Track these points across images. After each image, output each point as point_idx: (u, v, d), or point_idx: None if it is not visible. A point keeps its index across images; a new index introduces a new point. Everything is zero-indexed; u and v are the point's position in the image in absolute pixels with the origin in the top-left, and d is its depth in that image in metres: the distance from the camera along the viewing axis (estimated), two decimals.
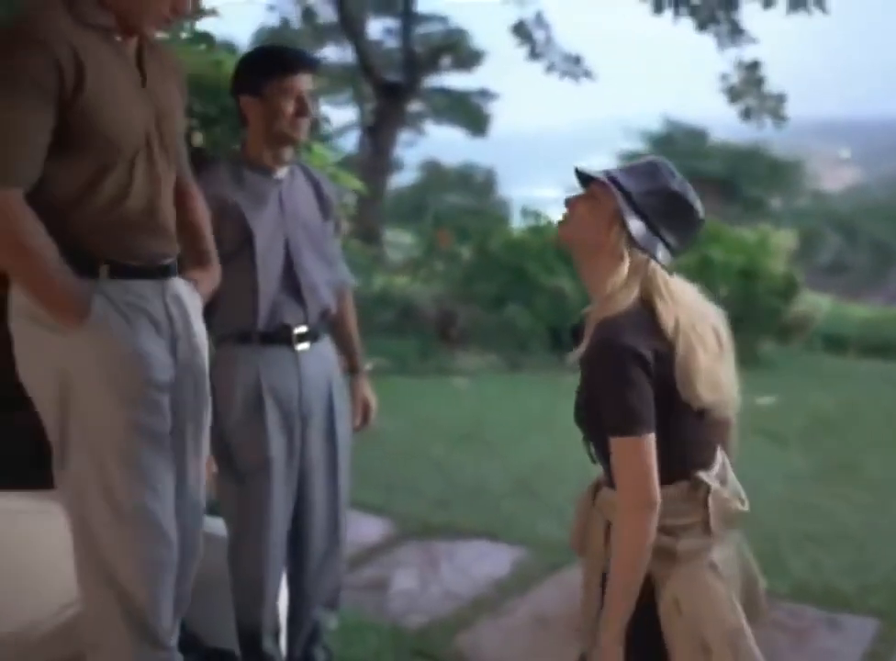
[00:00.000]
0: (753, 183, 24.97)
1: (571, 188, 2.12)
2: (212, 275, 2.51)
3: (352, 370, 3.25)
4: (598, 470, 2.11)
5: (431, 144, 24.86)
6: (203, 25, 3.83)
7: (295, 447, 2.87)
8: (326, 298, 2.94)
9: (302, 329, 2.87)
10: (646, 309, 1.96)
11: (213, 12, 3.88)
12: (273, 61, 2.79)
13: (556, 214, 2.17)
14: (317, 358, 2.92)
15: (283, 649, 3.11)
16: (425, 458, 6.21)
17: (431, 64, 20.13)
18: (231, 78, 2.86)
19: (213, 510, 3.08)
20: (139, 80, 2.18)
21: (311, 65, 2.80)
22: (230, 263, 2.72)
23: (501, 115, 22.77)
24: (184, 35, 3.86)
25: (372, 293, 10.14)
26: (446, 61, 20.67)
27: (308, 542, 3.02)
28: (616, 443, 1.90)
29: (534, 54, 11.35)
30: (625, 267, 1.94)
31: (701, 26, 8.45)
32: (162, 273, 2.28)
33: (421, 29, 20.15)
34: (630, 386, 1.88)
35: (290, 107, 2.73)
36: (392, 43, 19.57)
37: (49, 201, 2.08)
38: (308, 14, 15.29)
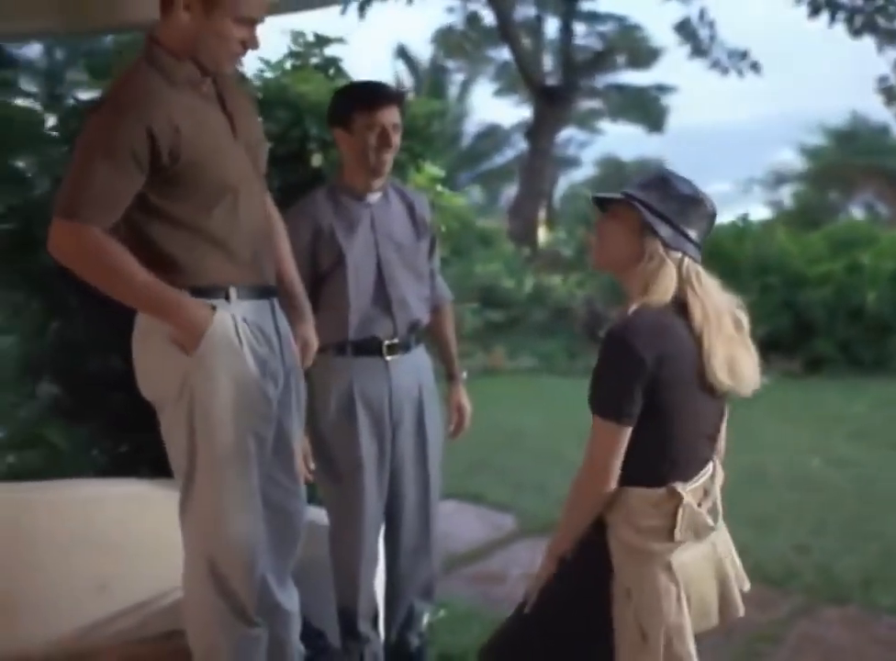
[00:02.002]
0: None
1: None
2: (310, 324, 2.75)
3: (448, 377, 3.46)
4: None
5: (610, 140, 24.77)
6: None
7: (385, 450, 3.11)
8: (416, 312, 3.14)
9: (392, 340, 3.09)
10: (673, 306, 2.16)
11: (340, 40, 4.17)
12: (358, 96, 3.02)
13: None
14: (407, 367, 3.14)
15: (381, 633, 3.37)
16: (558, 458, 6.35)
17: (607, 62, 20.12)
18: (327, 111, 3.11)
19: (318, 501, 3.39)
20: (226, 120, 2.43)
21: (394, 100, 3.01)
22: (326, 280, 3.04)
23: (679, 110, 22.46)
24: (314, 60, 4.16)
25: (523, 294, 10.32)
26: (621, 58, 20.60)
27: (401, 535, 3.25)
28: (595, 422, 2.14)
29: (699, 51, 11.21)
30: (671, 268, 2.16)
31: (856, 33, 8.20)
32: (272, 292, 2.56)
33: (599, 27, 20.15)
34: (620, 379, 2.12)
35: (374, 141, 2.95)
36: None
37: (176, 243, 2.36)
38: (474, 18, 15.54)
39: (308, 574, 2.89)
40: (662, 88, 21.12)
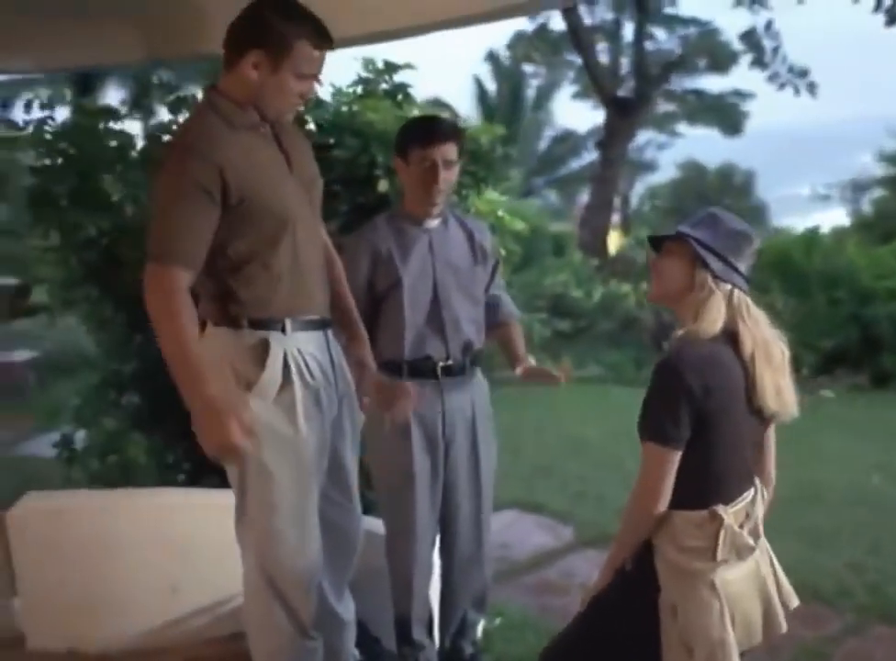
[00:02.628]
0: None
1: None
2: (365, 345, 2.90)
3: (516, 363, 3.49)
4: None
5: (689, 143, 24.61)
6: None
7: (438, 466, 3.26)
8: (469, 335, 3.28)
9: (446, 362, 3.24)
10: (723, 336, 2.31)
11: (409, 65, 4.33)
12: (415, 131, 3.18)
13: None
14: (462, 388, 3.28)
15: (436, 640, 3.52)
16: (619, 468, 6.43)
17: (686, 66, 20.01)
18: (395, 140, 3.28)
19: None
20: (284, 160, 2.58)
21: (449, 137, 3.14)
22: (384, 301, 3.21)
23: (758, 112, 22.24)
24: (383, 86, 4.33)
25: (592, 303, 10.39)
26: (701, 62, 20.48)
27: (454, 547, 3.41)
28: (646, 447, 2.29)
29: (760, 63, 11.16)
30: (720, 298, 2.31)
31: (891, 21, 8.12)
32: (326, 324, 2.71)
33: (680, 31, 20.06)
34: (669, 406, 2.25)
35: (425, 174, 3.11)
36: (649, 46, 19.62)
37: (238, 277, 2.50)
38: (543, 26, 15.57)
39: (366, 582, 3.06)
40: (740, 94, 20.97)
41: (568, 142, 25.44)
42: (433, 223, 3.25)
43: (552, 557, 5.07)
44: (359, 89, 4.27)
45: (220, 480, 3.25)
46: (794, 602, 2.49)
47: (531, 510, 5.88)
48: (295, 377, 2.54)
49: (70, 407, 4.18)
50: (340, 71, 4.31)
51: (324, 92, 4.07)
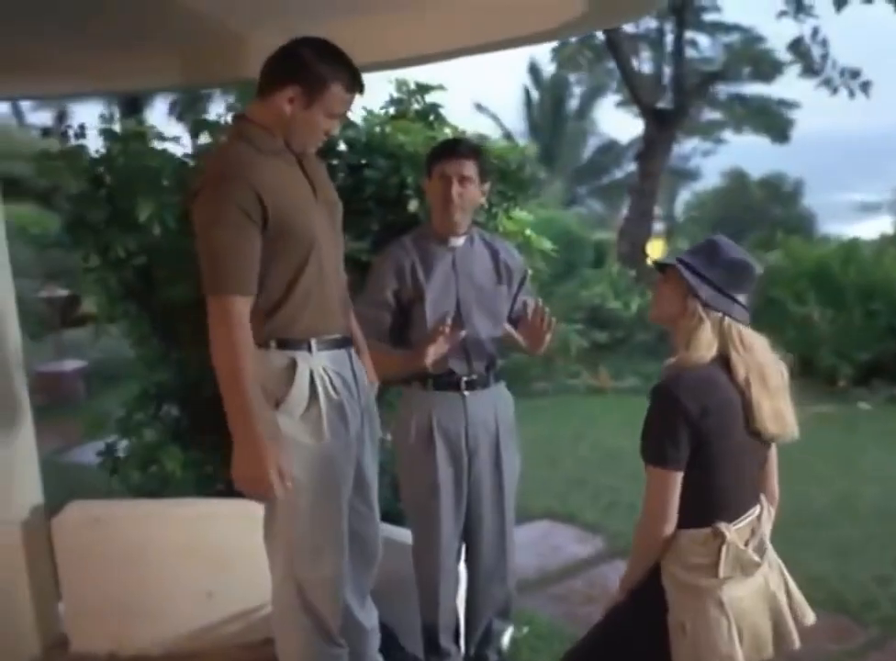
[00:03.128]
0: None
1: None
2: (367, 358, 3.01)
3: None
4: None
5: (734, 150, 24.47)
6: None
7: (462, 477, 3.36)
8: (490, 350, 3.38)
9: (470, 377, 3.35)
10: (719, 361, 2.39)
11: (440, 87, 4.44)
12: (437, 150, 3.33)
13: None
14: (486, 402, 3.38)
15: (462, 648, 3.63)
16: None
17: (730, 74, 19.91)
18: None
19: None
20: (309, 185, 2.69)
21: (466, 154, 3.26)
22: (409, 317, 3.34)
23: (805, 119, 22.06)
24: (415, 106, 4.44)
25: (629, 315, 10.41)
26: (745, 69, 20.36)
27: (479, 558, 3.51)
28: (649, 471, 2.37)
29: (811, 71, 11.14)
30: (709, 327, 2.39)
31: None
32: (349, 343, 2.83)
33: (724, 38, 19.98)
34: (668, 428, 2.33)
35: (442, 189, 3.24)
36: (692, 53, 19.55)
37: (266, 298, 2.60)
38: (587, 35, 15.53)
39: (394, 591, 3.17)
40: (785, 102, 20.83)
41: (612, 151, 25.48)
42: (458, 241, 3.36)
43: (582, 567, 5.14)
44: (391, 110, 4.38)
45: None
46: (809, 618, 2.54)
47: (563, 521, 5.96)
48: (320, 394, 2.65)
49: (114, 417, 4.32)
50: (373, 90, 4.46)
51: (356, 113, 4.18)
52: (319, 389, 2.65)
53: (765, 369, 2.40)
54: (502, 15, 3.59)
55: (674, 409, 2.32)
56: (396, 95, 4.37)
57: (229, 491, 4.00)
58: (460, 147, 3.30)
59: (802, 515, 5.94)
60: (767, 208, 25.12)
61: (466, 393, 3.34)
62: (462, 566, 3.57)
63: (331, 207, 2.78)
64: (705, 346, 2.38)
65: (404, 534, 3.53)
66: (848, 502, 6.21)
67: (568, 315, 10.47)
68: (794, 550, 5.25)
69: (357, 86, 2.63)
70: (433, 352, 3.18)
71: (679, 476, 2.34)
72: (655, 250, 17.69)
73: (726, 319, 2.39)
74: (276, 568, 2.78)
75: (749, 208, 24.93)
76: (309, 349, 2.66)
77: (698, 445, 2.33)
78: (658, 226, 24.16)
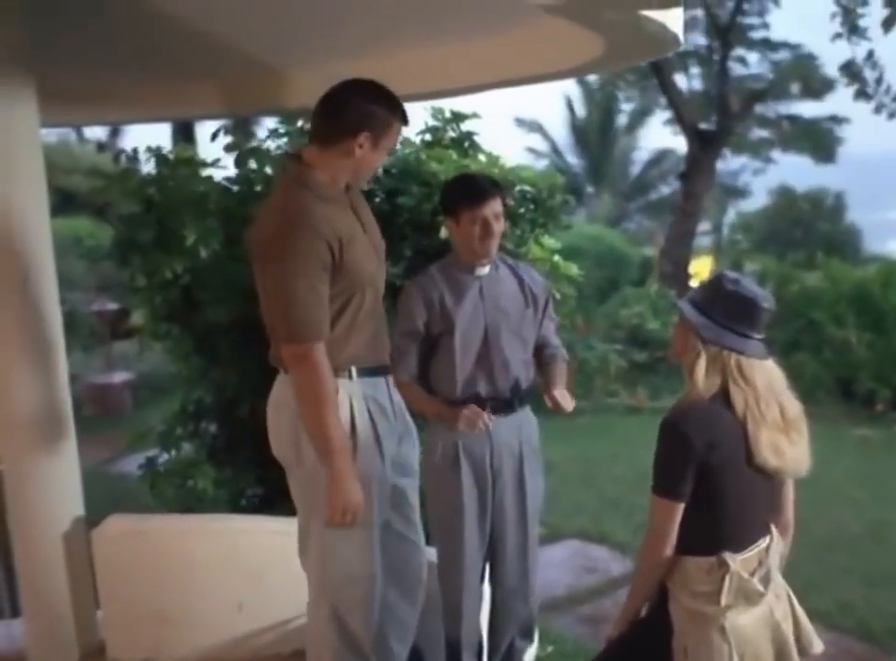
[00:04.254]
0: None
1: None
2: None
3: (545, 386, 3.55)
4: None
5: (782, 169, 24.29)
6: None
7: (486, 498, 3.45)
8: (518, 375, 3.46)
9: (496, 401, 3.42)
10: (724, 395, 2.46)
11: (475, 115, 4.56)
12: (462, 192, 3.37)
13: None
14: (510, 425, 3.46)
15: None
16: None
17: (779, 92, 19.79)
18: (440, 199, 3.50)
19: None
20: (360, 225, 2.83)
21: (495, 193, 3.34)
22: (438, 345, 3.43)
23: (853, 138, 21.85)
24: (450, 134, 4.56)
25: (668, 336, 10.41)
26: (795, 88, 20.23)
27: (501, 577, 3.59)
28: (653, 499, 2.47)
29: (863, 94, 11.03)
30: (703, 359, 2.46)
31: None
32: (388, 370, 2.96)
33: (773, 56, 19.88)
34: (673, 462, 2.43)
35: (478, 231, 3.31)
36: (741, 70, 19.47)
37: None
38: None
39: (422, 607, 3.26)
40: (835, 119, 20.65)
41: (659, 167, 25.44)
42: (484, 270, 3.44)
43: (611, 587, 5.20)
44: (427, 137, 4.51)
45: (288, 510, 3.52)
46: (817, 647, 2.61)
47: (595, 540, 6.02)
48: (357, 419, 2.77)
49: (156, 430, 4.47)
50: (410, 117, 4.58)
51: None
52: (357, 417, 2.77)
53: (762, 404, 2.45)
54: (524, 53, 3.71)
55: (680, 444, 2.41)
56: (431, 122, 4.50)
57: (261, 507, 4.16)
58: (486, 187, 3.36)
59: (836, 541, 5.95)
60: (813, 225, 24.89)
61: (492, 417, 3.42)
62: (486, 585, 3.66)
63: (378, 246, 2.92)
64: (703, 380, 2.45)
65: (430, 553, 3.61)
66: (883, 529, 6.18)
67: (608, 334, 10.53)
68: (826, 576, 5.31)
69: (407, 121, 2.82)
70: (464, 424, 3.27)
71: (681, 507, 2.42)
72: (703, 267, 17.64)
73: (725, 352, 2.45)
74: (312, 586, 2.90)
75: (796, 225, 24.72)
76: (350, 376, 2.78)
77: (703, 478, 2.41)
78: (706, 243, 24.06)
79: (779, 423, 2.47)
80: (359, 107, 2.69)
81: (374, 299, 2.84)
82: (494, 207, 3.33)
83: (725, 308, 2.46)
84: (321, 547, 2.83)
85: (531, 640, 3.79)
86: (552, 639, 4.39)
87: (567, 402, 3.39)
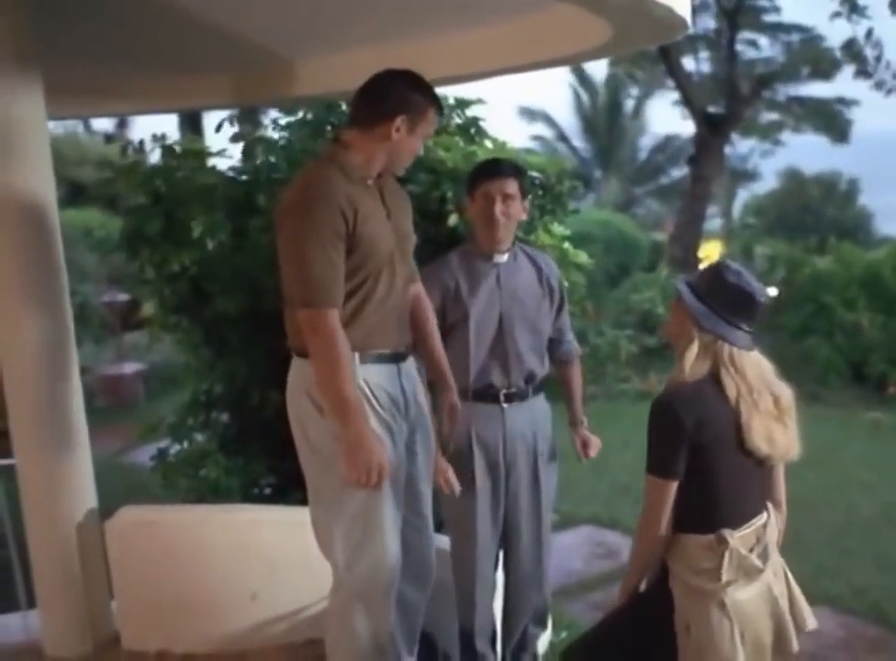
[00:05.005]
0: None
1: None
2: (454, 391, 3.14)
3: (571, 424, 3.70)
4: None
5: (794, 151, 24.18)
6: None
7: (499, 487, 3.45)
8: (531, 365, 3.46)
9: (509, 390, 3.42)
10: (714, 380, 2.50)
11: (480, 100, 4.54)
12: (479, 170, 3.41)
13: None
14: (524, 414, 3.45)
15: (499, 652, 3.72)
16: None
17: (789, 74, 19.70)
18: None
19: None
20: (385, 212, 2.85)
21: (508, 173, 3.34)
22: (452, 332, 3.41)
23: (865, 119, 21.73)
24: (456, 120, 4.54)
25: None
26: (804, 70, 20.13)
27: (515, 565, 3.59)
28: (647, 479, 2.52)
29: (864, 72, 11.02)
30: (696, 346, 2.50)
31: None
32: (401, 358, 2.94)
33: (783, 38, 19.78)
34: (664, 440, 2.48)
35: (486, 208, 3.32)
36: (751, 53, 19.37)
37: None
38: None
39: (435, 595, 3.27)
40: (843, 101, 20.55)
41: (668, 150, 25.36)
42: (502, 258, 3.43)
43: (623, 573, 5.17)
44: None
45: (300, 499, 3.53)
46: (811, 624, 2.64)
47: (607, 526, 6.03)
48: (364, 405, 2.75)
49: (167, 421, 4.48)
50: None
51: None
52: (363, 400, 2.76)
53: (754, 392, 2.49)
54: (531, 39, 3.70)
55: (670, 424, 2.45)
56: None
57: (273, 496, 4.17)
58: (502, 166, 3.38)
59: (848, 525, 5.95)
60: (823, 208, 24.78)
61: (505, 406, 3.42)
62: (499, 573, 3.66)
63: (402, 237, 2.93)
64: (692, 364, 2.49)
65: (444, 541, 3.62)
66: (895, 512, 6.17)
67: (619, 319, 10.52)
68: (839, 559, 5.31)
69: (441, 108, 2.91)
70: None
71: (674, 485, 2.46)
72: (712, 250, 17.60)
73: (719, 341, 2.49)
74: (335, 574, 2.90)
75: (806, 208, 24.62)
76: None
77: (695, 456, 2.45)
78: (716, 226, 23.98)
79: (773, 411, 2.52)
80: (399, 92, 2.77)
81: (388, 286, 2.83)
82: (504, 185, 3.32)
83: (724, 299, 2.50)
84: (343, 532, 2.82)
85: (544, 627, 3.80)
86: (565, 625, 4.40)
87: (594, 449, 3.60)
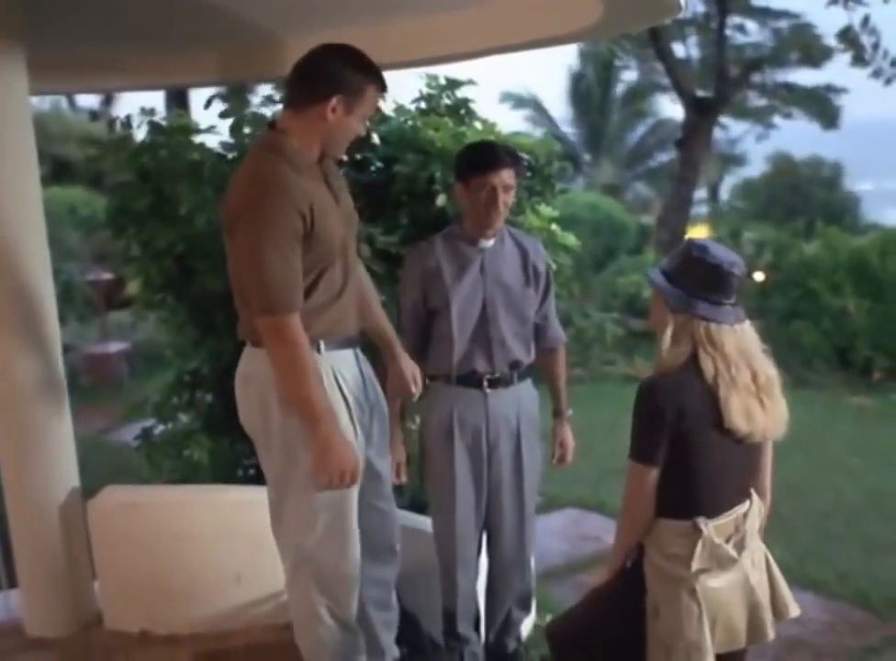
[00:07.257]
0: None
1: None
2: (404, 357, 3.11)
3: (554, 414, 3.72)
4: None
5: (784, 136, 24.17)
6: None
7: (481, 470, 3.43)
8: (515, 352, 3.42)
9: (493, 375, 3.40)
10: (694, 361, 2.49)
11: (471, 82, 4.50)
12: (475, 159, 3.32)
13: None
14: (507, 399, 3.43)
15: (482, 635, 3.72)
16: None
17: (779, 60, 19.68)
18: (454, 165, 3.43)
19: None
20: (332, 197, 2.76)
21: (508, 163, 3.28)
22: (436, 317, 3.39)
23: (854, 105, 21.74)
24: (446, 101, 4.50)
25: None
26: (794, 56, 20.10)
27: (498, 548, 3.58)
28: (629, 464, 2.52)
29: (860, 60, 10.96)
30: (670, 327, 2.51)
31: None
32: (356, 343, 2.91)
33: (772, 24, 19.74)
34: (645, 428, 2.48)
35: (485, 199, 3.26)
36: (740, 38, 19.33)
37: None
38: None
39: (418, 577, 3.26)
40: (832, 89, 20.54)
41: (657, 135, 25.25)
42: (488, 243, 3.40)
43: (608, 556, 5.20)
44: (422, 105, 4.44)
45: None
46: (793, 611, 2.65)
47: (593, 510, 6.04)
48: (329, 392, 2.71)
49: (152, 400, 4.45)
50: (404, 85, 4.52)
51: (387, 108, 4.26)
52: (328, 387, 2.72)
53: (732, 368, 2.47)
54: (520, 19, 3.66)
55: (651, 412, 2.45)
56: (426, 90, 4.44)
57: (257, 477, 4.14)
58: (502, 155, 3.31)
59: (834, 510, 5.98)
60: (812, 192, 24.78)
61: (488, 391, 3.40)
62: (483, 557, 3.65)
63: (349, 217, 2.87)
64: (670, 348, 2.49)
65: (428, 523, 3.61)
66: (881, 498, 6.21)
67: (605, 302, 10.53)
68: (824, 544, 5.34)
69: (385, 89, 2.75)
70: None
71: (654, 471, 2.47)
72: (700, 234, 17.58)
73: (694, 320, 2.47)
74: (288, 556, 2.89)
75: (795, 193, 24.61)
76: (319, 350, 2.73)
77: (676, 444, 2.45)
78: (703, 210, 23.95)
79: (751, 388, 2.50)
80: (332, 71, 2.63)
81: (344, 271, 2.78)
82: (504, 176, 3.27)
83: (693, 277, 2.48)
84: (302, 516, 2.80)
85: (528, 611, 3.80)
86: (550, 608, 4.39)
87: (568, 457, 3.74)
